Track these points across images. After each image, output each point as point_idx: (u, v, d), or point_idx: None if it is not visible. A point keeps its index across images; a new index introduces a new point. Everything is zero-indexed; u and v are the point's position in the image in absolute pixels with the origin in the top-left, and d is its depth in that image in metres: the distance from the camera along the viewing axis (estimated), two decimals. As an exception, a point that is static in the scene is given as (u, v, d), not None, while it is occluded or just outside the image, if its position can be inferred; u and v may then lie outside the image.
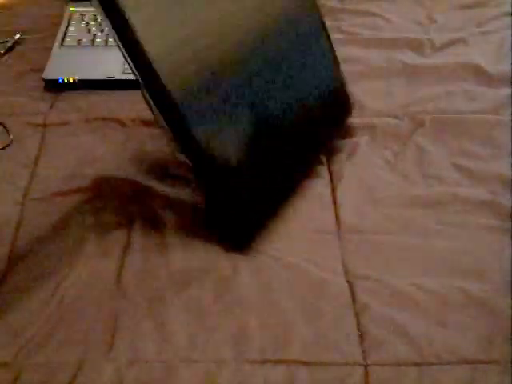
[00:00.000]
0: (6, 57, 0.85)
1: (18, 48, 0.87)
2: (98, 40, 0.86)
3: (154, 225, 0.63)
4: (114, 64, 0.81)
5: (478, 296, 0.56)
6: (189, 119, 0.54)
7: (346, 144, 0.72)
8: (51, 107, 0.77)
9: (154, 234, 0.62)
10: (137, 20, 0.50)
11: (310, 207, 0.65)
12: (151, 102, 0.55)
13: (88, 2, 0.92)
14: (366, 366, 0.51)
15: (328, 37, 0.68)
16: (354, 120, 0.75)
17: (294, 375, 0.51)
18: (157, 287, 0.58)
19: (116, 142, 0.72)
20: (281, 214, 0.64)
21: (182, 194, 0.66)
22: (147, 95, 0.55)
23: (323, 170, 0.69)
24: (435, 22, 0.94)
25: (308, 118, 0.65)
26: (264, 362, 0.51)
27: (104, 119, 0.75)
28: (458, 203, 0.65)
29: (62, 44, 0.85)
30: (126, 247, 0.61)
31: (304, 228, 0.63)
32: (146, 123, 0.75)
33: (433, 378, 0.50)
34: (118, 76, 0.80)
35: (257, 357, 0.52)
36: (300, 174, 0.67)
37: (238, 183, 0.59)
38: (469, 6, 0.97)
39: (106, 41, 0.86)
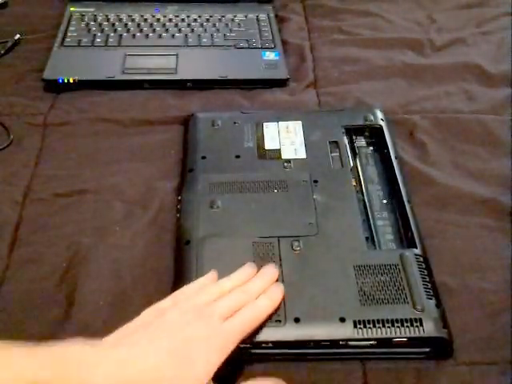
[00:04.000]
0: (5, 57, 0.85)
1: (18, 48, 0.87)
2: (98, 40, 0.86)
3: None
4: (113, 64, 0.82)
5: (478, 295, 0.56)
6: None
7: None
8: (51, 107, 0.77)
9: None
10: None
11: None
12: None
13: (88, 2, 0.93)
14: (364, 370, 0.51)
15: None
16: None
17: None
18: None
19: (116, 142, 0.72)
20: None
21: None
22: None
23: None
24: (435, 22, 0.94)
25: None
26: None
27: (104, 119, 0.75)
28: (457, 202, 0.65)
29: (61, 44, 0.85)
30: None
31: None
32: (146, 123, 0.75)
33: (431, 379, 0.50)
34: (118, 76, 0.80)
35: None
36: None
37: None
38: (469, 6, 0.97)
39: (106, 41, 0.86)
